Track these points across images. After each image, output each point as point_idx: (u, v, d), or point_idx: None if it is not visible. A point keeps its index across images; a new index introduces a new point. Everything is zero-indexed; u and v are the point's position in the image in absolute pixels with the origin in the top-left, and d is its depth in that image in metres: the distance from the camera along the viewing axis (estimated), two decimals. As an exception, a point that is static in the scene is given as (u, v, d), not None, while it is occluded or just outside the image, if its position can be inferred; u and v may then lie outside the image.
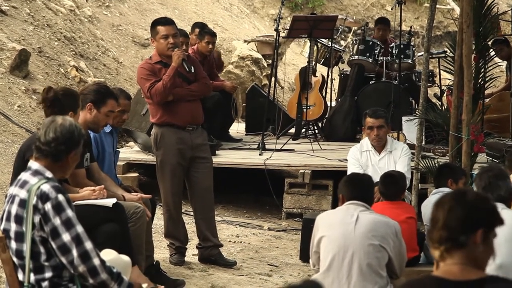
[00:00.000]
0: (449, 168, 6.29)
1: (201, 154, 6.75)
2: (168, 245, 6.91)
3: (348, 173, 6.98)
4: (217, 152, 9.21)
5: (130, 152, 9.58)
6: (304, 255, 6.94)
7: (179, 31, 9.72)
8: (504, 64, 11.66)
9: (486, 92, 8.97)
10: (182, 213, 6.97)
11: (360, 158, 7.16)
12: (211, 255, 6.84)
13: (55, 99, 5.11)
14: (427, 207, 6.14)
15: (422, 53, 8.56)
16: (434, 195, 6.12)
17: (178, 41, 6.66)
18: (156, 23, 6.71)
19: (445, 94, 10.49)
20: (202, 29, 9.93)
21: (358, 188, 5.01)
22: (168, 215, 6.79)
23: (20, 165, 5.02)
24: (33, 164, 4.01)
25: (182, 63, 6.56)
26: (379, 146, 7.14)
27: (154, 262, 6.13)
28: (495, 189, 4.69)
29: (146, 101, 6.87)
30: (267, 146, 9.51)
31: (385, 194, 5.97)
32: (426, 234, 2.88)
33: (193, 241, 7.10)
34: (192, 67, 6.69)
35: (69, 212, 3.89)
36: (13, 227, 3.96)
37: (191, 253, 7.07)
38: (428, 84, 10.07)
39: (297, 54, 15.76)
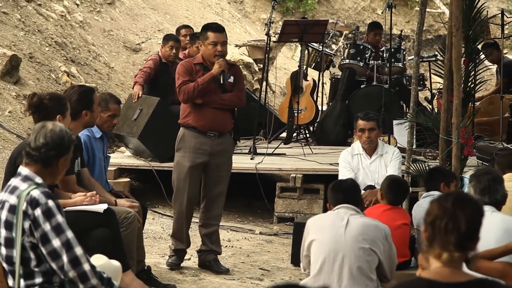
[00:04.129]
0: (440, 172, 6.30)
1: (218, 161, 6.73)
2: (169, 246, 6.92)
3: (340, 176, 7.01)
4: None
5: (121, 157, 9.58)
6: (296, 259, 6.94)
7: (170, 36, 9.79)
8: (494, 67, 11.70)
9: (477, 95, 8.99)
10: (192, 217, 6.92)
11: (352, 161, 7.17)
12: (206, 260, 6.84)
13: (40, 104, 5.12)
14: (417, 211, 6.15)
15: (413, 56, 8.58)
16: (425, 199, 6.14)
17: (226, 49, 6.65)
18: (207, 28, 6.67)
19: (435, 98, 10.52)
20: (193, 33, 9.96)
21: (342, 193, 5.03)
22: (177, 216, 6.81)
23: (11, 171, 5.02)
24: (23, 169, 4.00)
25: (220, 74, 6.54)
26: (370, 149, 7.15)
27: (146, 267, 6.13)
28: (493, 192, 4.69)
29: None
30: (258, 151, 9.52)
31: (390, 199, 6.01)
32: (427, 234, 2.86)
33: (193, 245, 7.08)
34: (232, 77, 6.66)
35: (59, 218, 3.88)
36: (2, 233, 3.95)
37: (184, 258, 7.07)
38: (419, 88, 10.10)
39: (288, 58, 15.79)
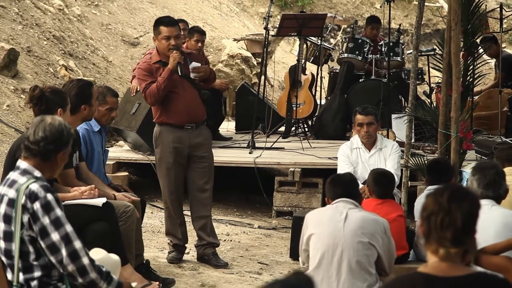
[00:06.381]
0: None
1: (199, 153, 6.71)
2: (168, 243, 6.92)
3: (338, 170, 7.01)
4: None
5: (120, 151, 9.58)
6: (294, 253, 6.94)
7: (195, 28, 9.77)
8: (492, 61, 11.70)
9: (476, 89, 8.99)
10: (182, 211, 6.92)
11: (351, 155, 7.17)
12: (205, 254, 6.83)
13: (42, 96, 5.12)
14: (420, 203, 6.12)
15: (411, 51, 8.56)
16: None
17: (180, 43, 6.60)
18: (159, 22, 6.60)
19: (434, 92, 10.51)
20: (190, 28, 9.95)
21: (340, 187, 5.02)
22: (167, 212, 6.82)
23: (11, 165, 5.03)
24: (22, 163, 4.00)
25: (177, 66, 6.50)
26: (369, 143, 7.16)
27: (144, 261, 6.14)
28: (497, 187, 4.66)
29: None
30: (257, 145, 9.52)
31: (379, 193, 5.95)
32: (423, 229, 2.82)
33: (191, 239, 7.08)
34: (194, 63, 6.62)
35: (58, 212, 3.88)
36: (1, 226, 3.95)
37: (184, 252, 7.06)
38: (417, 82, 10.09)
39: (286, 53, 15.77)
